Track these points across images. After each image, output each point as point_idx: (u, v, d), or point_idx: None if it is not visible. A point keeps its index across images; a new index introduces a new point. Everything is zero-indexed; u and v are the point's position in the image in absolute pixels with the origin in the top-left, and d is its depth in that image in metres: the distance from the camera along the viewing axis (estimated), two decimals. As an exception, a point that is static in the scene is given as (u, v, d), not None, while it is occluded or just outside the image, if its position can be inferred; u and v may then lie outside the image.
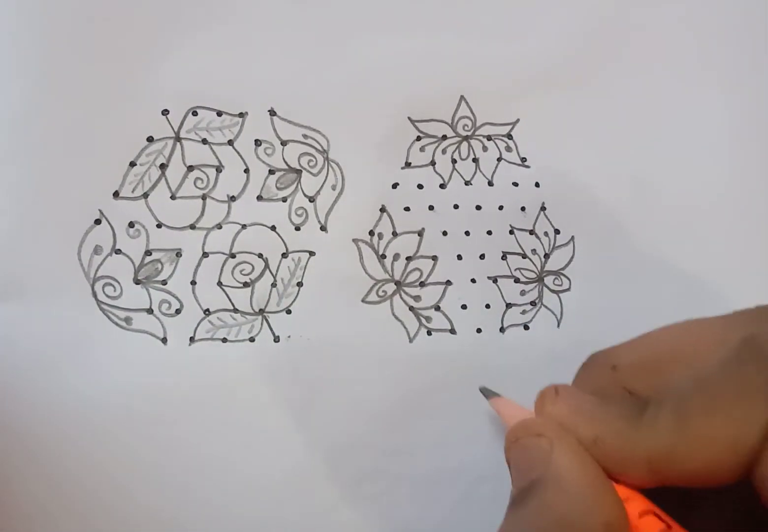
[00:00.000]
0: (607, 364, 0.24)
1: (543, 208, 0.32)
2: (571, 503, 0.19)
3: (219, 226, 0.30)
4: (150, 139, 0.29)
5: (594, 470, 0.20)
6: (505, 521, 0.21)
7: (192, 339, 0.29)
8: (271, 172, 0.30)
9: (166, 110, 0.29)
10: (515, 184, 0.32)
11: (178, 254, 0.29)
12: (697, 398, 0.19)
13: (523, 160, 0.32)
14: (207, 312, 0.29)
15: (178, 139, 0.29)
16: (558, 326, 0.32)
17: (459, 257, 0.31)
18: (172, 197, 0.29)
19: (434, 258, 0.31)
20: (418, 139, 0.31)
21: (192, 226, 0.29)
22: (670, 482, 0.20)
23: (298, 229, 0.30)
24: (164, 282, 0.29)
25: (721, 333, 0.21)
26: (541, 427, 0.21)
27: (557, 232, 0.33)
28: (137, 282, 0.29)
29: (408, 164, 0.31)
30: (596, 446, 0.20)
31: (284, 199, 0.30)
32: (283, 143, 0.30)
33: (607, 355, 0.24)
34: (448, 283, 0.31)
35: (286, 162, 0.30)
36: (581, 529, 0.19)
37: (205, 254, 0.29)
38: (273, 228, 0.30)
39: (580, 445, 0.21)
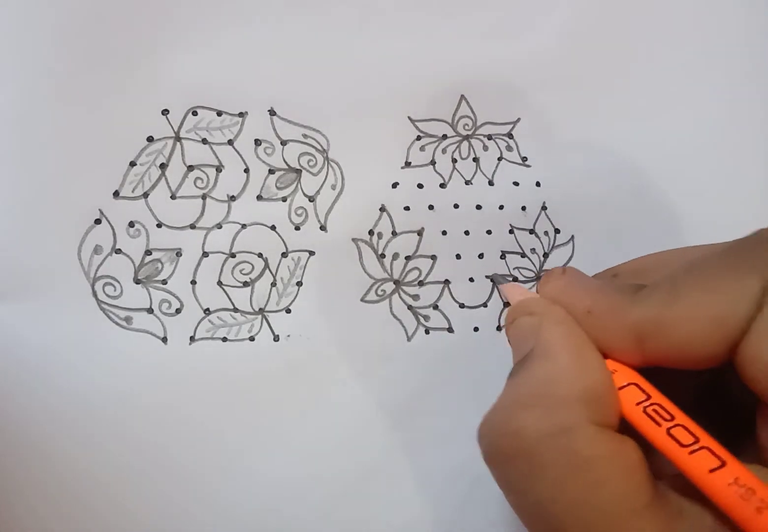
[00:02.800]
0: (608, 274, 0.25)
1: (544, 208, 0.32)
2: (554, 369, 0.20)
3: (219, 226, 0.30)
4: (150, 139, 0.29)
5: (578, 339, 0.21)
6: (501, 394, 0.21)
7: (192, 338, 0.29)
8: (271, 171, 0.30)
9: (166, 110, 0.29)
10: (516, 183, 0.32)
11: (178, 254, 0.29)
12: (692, 275, 0.20)
13: (524, 159, 0.32)
14: (207, 311, 0.29)
15: (178, 138, 0.29)
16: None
17: (458, 257, 0.32)
18: (172, 197, 0.29)
19: (433, 257, 0.31)
20: (418, 138, 0.31)
21: (192, 226, 0.29)
22: (655, 357, 0.20)
23: (297, 228, 0.30)
24: (164, 282, 0.29)
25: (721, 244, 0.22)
26: (533, 305, 0.23)
27: (557, 231, 0.33)
28: (137, 282, 0.29)
29: (408, 164, 0.31)
30: (589, 317, 0.21)
31: (284, 199, 0.30)
32: (283, 143, 0.30)
33: (610, 268, 0.26)
34: (447, 282, 0.31)
35: (286, 162, 0.30)
36: (561, 390, 0.20)
37: (205, 254, 0.30)
38: (273, 228, 0.30)
39: (568, 317, 0.22)
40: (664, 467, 0.20)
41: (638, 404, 0.20)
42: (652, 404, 0.20)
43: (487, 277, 0.32)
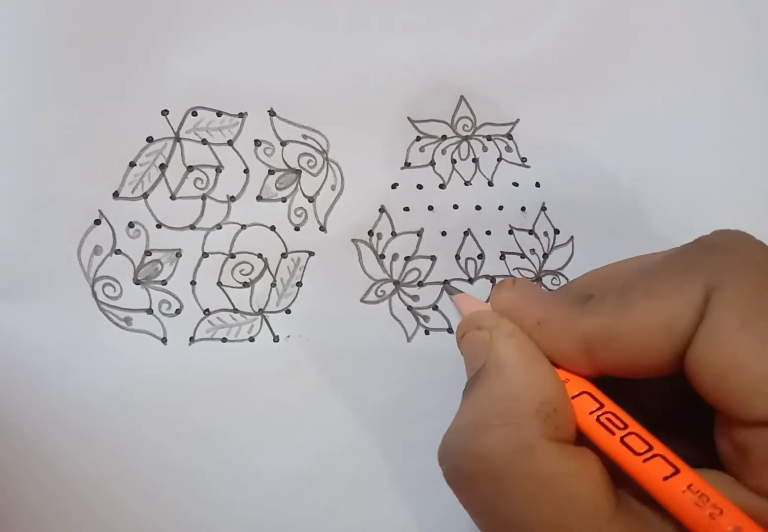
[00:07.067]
0: (562, 290, 0.26)
1: (543, 208, 0.32)
2: (510, 383, 0.20)
3: (219, 227, 0.30)
4: (150, 140, 0.29)
5: (531, 352, 0.21)
6: (458, 412, 0.22)
7: (192, 339, 0.29)
8: (271, 172, 0.30)
9: (165, 110, 0.29)
10: (515, 184, 0.32)
11: (178, 254, 0.29)
12: (639, 283, 0.20)
13: (524, 160, 0.32)
14: (207, 312, 0.29)
15: (177, 139, 0.29)
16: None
17: (457, 257, 0.32)
18: (172, 197, 0.29)
19: (433, 258, 0.31)
20: (418, 139, 0.31)
21: (192, 227, 0.30)
22: (606, 366, 0.20)
23: (297, 229, 0.30)
24: (164, 282, 0.29)
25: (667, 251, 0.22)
26: (482, 319, 0.22)
27: (557, 232, 0.33)
28: (137, 282, 0.29)
29: (407, 164, 0.31)
30: (539, 328, 0.21)
31: (284, 200, 0.30)
32: (283, 143, 0.30)
33: (564, 285, 0.26)
34: (446, 283, 0.31)
35: (285, 162, 0.30)
36: (519, 407, 0.20)
37: (204, 254, 0.30)
38: (272, 228, 0.30)
39: (518, 330, 0.22)
40: (623, 474, 0.20)
41: (591, 412, 0.20)
42: (605, 413, 0.20)
43: (442, 286, 0.31)
